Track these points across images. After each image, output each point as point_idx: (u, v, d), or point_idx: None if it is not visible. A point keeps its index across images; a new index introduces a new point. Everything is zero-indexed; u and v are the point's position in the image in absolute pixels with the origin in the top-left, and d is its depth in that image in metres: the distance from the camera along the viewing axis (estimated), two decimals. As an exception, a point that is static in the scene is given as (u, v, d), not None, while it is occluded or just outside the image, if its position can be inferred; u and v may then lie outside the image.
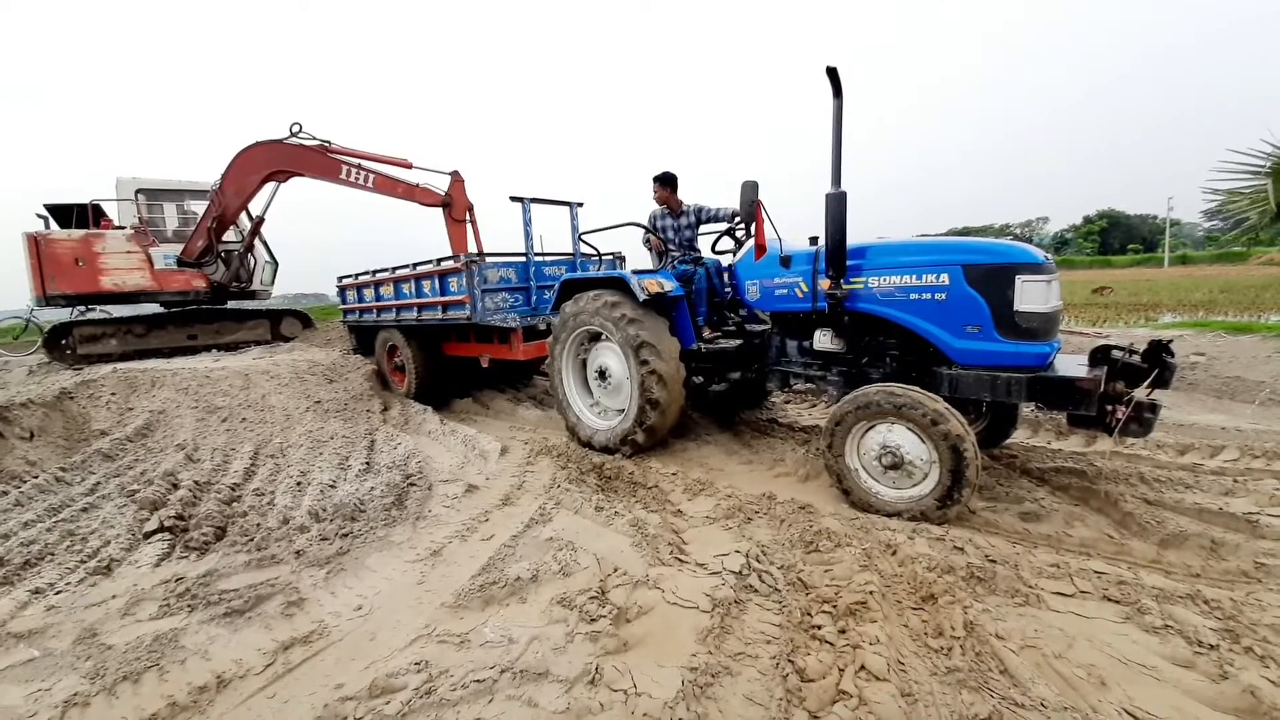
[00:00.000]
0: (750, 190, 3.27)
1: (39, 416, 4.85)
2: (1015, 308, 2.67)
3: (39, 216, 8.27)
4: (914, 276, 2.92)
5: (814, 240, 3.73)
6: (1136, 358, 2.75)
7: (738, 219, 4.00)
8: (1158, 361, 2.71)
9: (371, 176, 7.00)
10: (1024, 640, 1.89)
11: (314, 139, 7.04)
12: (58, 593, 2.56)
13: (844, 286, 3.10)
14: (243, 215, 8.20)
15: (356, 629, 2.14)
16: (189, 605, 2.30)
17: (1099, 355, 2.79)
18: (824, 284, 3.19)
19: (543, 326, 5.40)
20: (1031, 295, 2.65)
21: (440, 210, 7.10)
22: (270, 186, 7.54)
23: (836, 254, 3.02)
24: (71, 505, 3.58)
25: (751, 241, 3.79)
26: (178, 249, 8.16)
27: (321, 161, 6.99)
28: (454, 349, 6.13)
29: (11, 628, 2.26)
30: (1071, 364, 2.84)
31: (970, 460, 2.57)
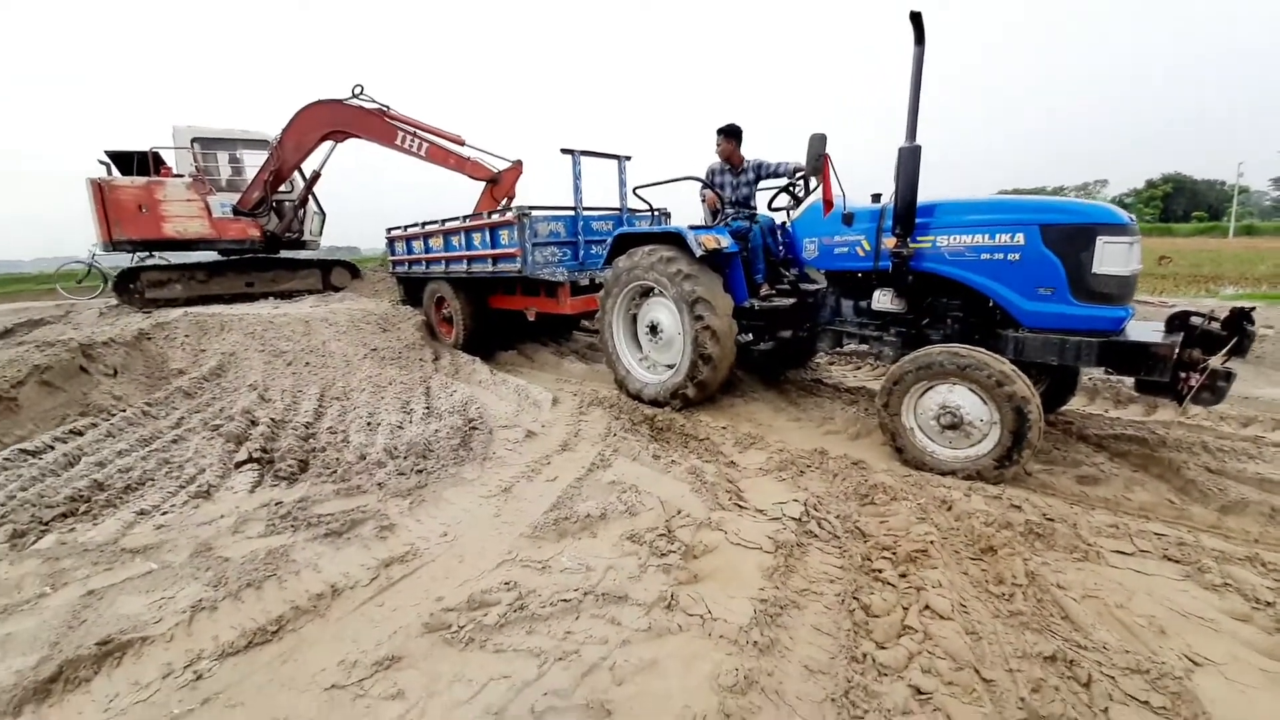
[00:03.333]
0: (818, 143, 3.20)
1: (121, 355, 5.17)
2: (1094, 270, 2.62)
3: (100, 163, 8.57)
4: (986, 236, 2.87)
5: (876, 198, 3.66)
6: (1216, 325, 2.68)
7: (799, 174, 3.93)
8: (1237, 329, 2.64)
9: (425, 145, 7.18)
10: (1085, 591, 1.96)
11: (374, 102, 7.17)
12: (164, 513, 2.79)
13: (910, 245, 3.06)
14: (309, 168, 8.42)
15: (445, 552, 2.32)
16: (292, 526, 2.53)
17: (1176, 321, 2.73)
18: (889, 242, 3.15)
19: (585, 281, 5.46)
20: (1112, 257, 2.59)
21: (482, 184, 7.26)
22: (327, 144, 7.71)
23: (907, 211, 2.98)
24: (161, 437, 3.86)
25: (811, 198, 3.74)
26: (232, 198, 8.41)
27: (380, 126, 7.16)
28: (500, 301, 6.25)
29: (124, 544, 2.46)
30: (1145, 329, 2.79)
31: (1034, 422, 2.59)
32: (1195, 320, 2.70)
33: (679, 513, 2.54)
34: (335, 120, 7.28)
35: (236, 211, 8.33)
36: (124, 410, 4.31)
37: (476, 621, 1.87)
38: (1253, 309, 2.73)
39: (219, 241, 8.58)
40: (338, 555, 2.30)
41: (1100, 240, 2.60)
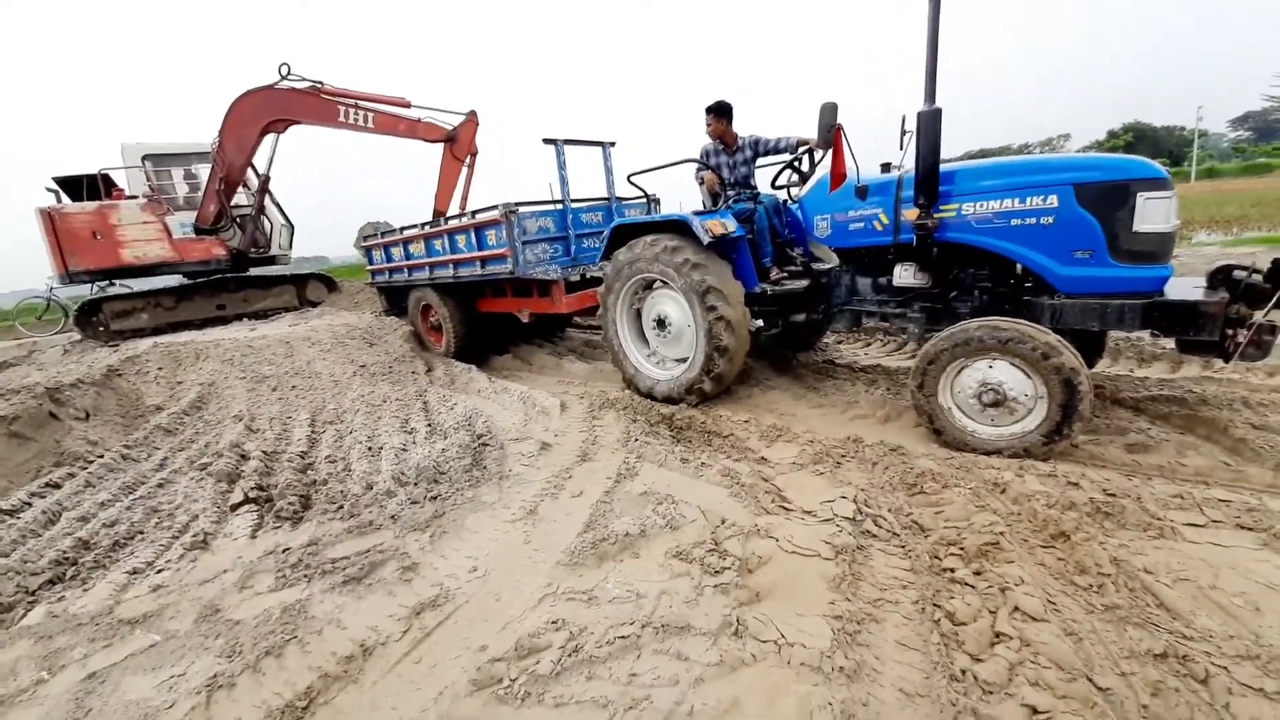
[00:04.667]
0: (829, 113, 3.01)
1: (91, 396, 4.82)
2: (1135, 228, 2.48)
3: (49, 190, 8.02)
4: (1016, 200, 2.72)
5: (886, 167, 3.49)
6: (1259, 278, 2.58)
7: (803, 148, 3.73)
8: None
9: (371, 116, 6.77)
10: (1173, 573, 1.85)
11: (304, 80, 6.70)
12: (159, 571, 2.55)
13: (935, 216, 2.90)
14: (253, 176, 7.94)
15: (479, 590, 2.13)
16: (305, 575, 2.31)
17: (1219, 276, 2.62)
18: (910, 214, 2.99)
19: (575, 278, 5.23)
20: (1153, 214, 2.46)
21: (440, 147, 6.88)
22: (270, 140, 7.23)
23: (929, 179, 2.81)
24: (146, 482, 3.59)
25: (818, 172, 3.56)
26: (192, 216, 7.94)
27: (317, 105, 6.71)
28: (490, 305, 5.99)
29: (121, 614, 2.22)
30: (1185, 286, 2.68)
31: (1084, 393, 2.47)
32: (1238, 274, 2.59)
33: (723, 522, 2.38)
34: (270, 108, 6.76)
35: (198, 230, 7.85)
36: (101, 456, 4.01)
37: (529, 672, 1.69)
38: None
39: (183, 264, 8.10)
40: (361, 606, 2.09)
41: (1140, 197, 2.46)
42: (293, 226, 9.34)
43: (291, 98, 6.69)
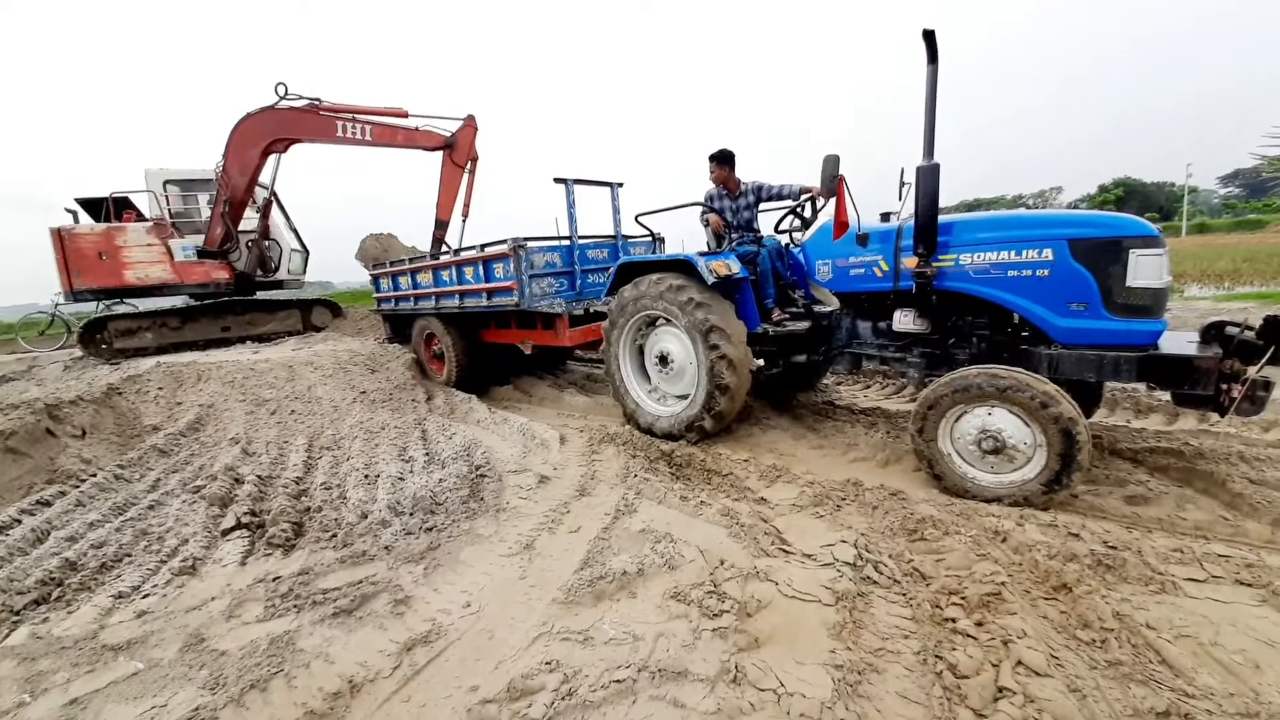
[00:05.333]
0: (832, 165, 3.13)
1: (89, 414, 4.82)
2: (1128, 283, 2.55)
3: (68, 211, 8.18)
4: (1012, 252, 2.79)
5: (886, 216, 3.60)
6: (1251, 334, 2.63)
7: (806, 196, 3.86)
8: (1274, 338, 2.59)
9: (369, 128, 6.94)
10: (1174, 629, 1.83)
11: (301, 98, 6.90)
12: (145, 596, 2.51)
13: (934, 265, 2.98)
14: (261, 195, 8.08)
15: (472, 627, 2.09)
16: (295, 606, 2.26)
17: (1212, 331, 2.68)
18: (909, 262, 3.07)
19: (580, 311, 5.30)
20: (1146, 270, 2.53)
21: (439, 156, 6.97)
22: (272, 161, 7.39)
23: (928, 230, 2.90)
24: (137, 503, 3.55)
25: (820, 219, 3.66)
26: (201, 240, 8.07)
27: (316, 122, 6.89)
28: (494, 336, 6.05)
29: (105, 639, 2.17)
30: (1180, 340, 2.73)
31: (1083, 443, 2.49)
32: (1231, 330, 2.64)
33: (722, 563, 2.35)
34: (271, 128, 6.92)
35: (207, 253, 7.96)
36: (94, 475, 3.98)
37: (521, 715, 1.65)
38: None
39: (183, 286, 8.15)
40: (351, 640, 2.05)
41: (1133, 253, 2.54)
42: (307, 252, 9.47)
43: (290, 116, 6.88)
